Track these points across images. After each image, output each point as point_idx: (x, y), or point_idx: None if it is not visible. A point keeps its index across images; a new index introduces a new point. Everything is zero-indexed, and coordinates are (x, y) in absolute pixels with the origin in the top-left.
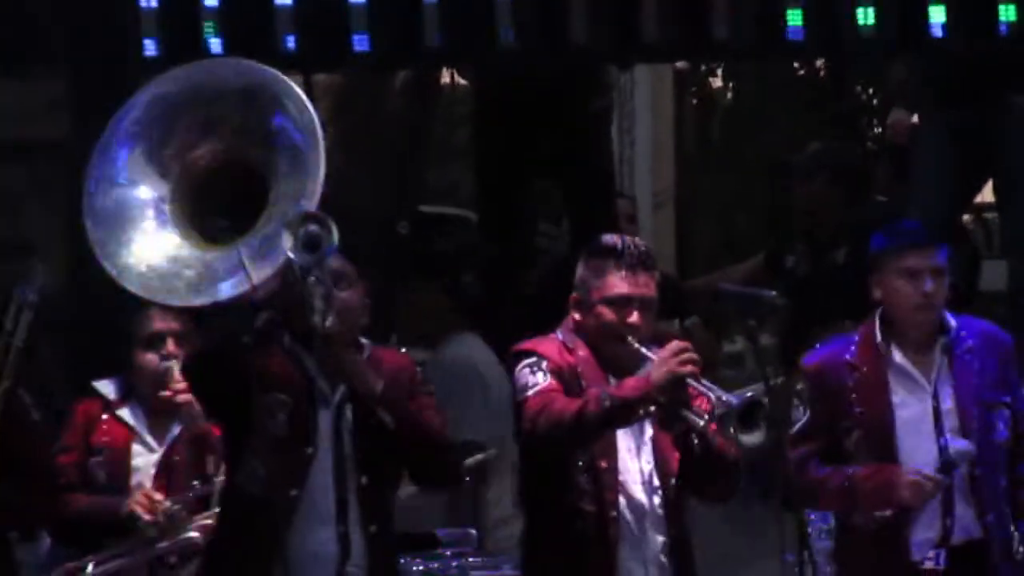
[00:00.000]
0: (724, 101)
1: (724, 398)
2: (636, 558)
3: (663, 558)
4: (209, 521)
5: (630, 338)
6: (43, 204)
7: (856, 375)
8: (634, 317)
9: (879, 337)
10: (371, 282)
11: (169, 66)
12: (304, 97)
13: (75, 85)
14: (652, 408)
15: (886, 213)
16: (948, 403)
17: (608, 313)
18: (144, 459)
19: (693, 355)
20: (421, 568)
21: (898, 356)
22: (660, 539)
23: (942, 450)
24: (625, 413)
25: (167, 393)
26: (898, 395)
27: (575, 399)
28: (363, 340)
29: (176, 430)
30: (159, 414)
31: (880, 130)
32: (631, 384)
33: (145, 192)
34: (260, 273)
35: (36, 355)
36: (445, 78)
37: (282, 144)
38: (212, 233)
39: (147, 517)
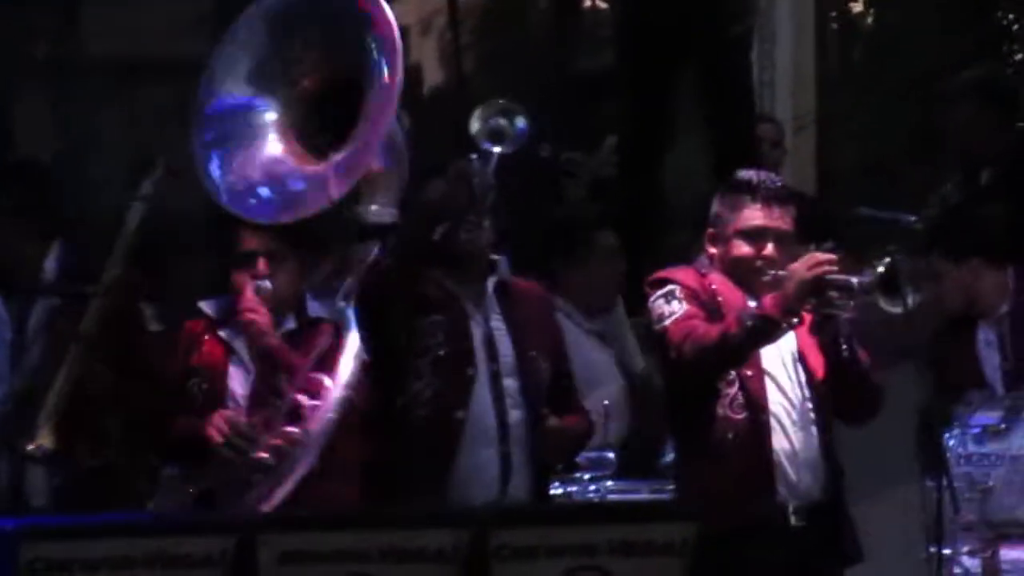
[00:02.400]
0: (865, 24)
1: (864, 279)
2: (791, 460)
3: (817, 460)
4: (278, 442)
5: (768, 271)
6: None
7: None
8: (769, 249)
9: None
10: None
11: None
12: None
13: (221, 2)
14: (795, 321)
15: None
16: None
17: (743, 246)
18: (240, 380)
19: (824, 258)
20: (560, 491)
21: None
22: (813, 441)
23: None
24: (768, 329)
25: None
26: None
27: (715, 323)
28: (496, 256)
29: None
30: (245, 347)
31: (1022, 56)
32: (769, 300)
33: (253, 106)
34: (339, 188)
35: (164, 272)
36: (587, 1)
37: (372, 61)
38: (318, 146)
39: (218, 439)
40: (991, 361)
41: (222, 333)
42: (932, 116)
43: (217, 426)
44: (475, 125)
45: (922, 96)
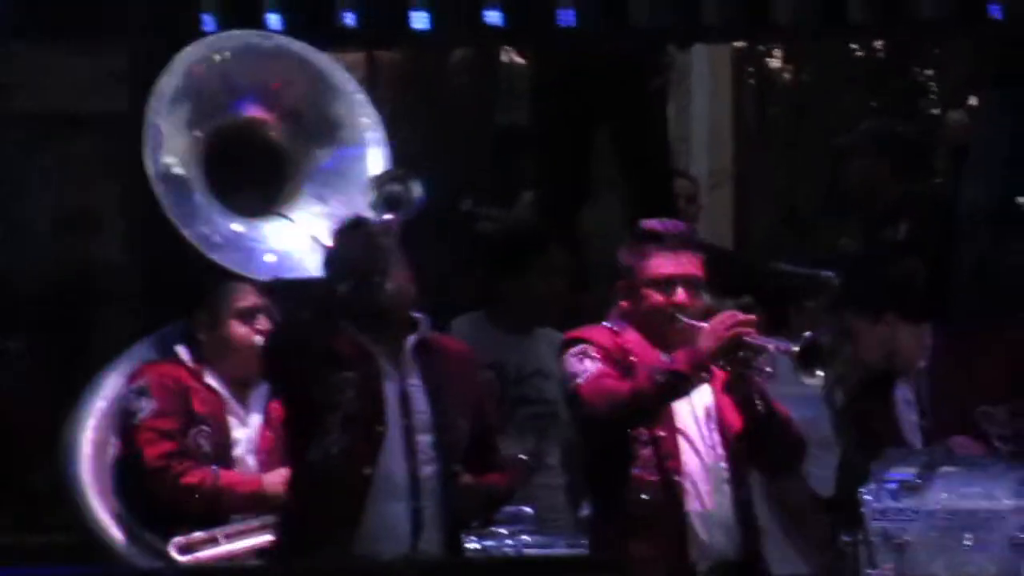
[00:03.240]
0: (783, 80)
1: (783, 345)
2: (703, 523)
3: (731, 519)
4: None
5: (679, 316)
6: (107, 175)
7: None
8: (680, 295)
9: None
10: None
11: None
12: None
13: (136, 58)
14: (706, 377)
15: (943, 192)
16: None
17: (654, 295)
18: (239, 431)
19: (742, 319)
20: (476, 546)
21: None
22: (727, 501)
23: None
24: (679, 384)
25: None
26: None
27: (627, 380)
28: (417, 315)
29: (257, 402)
30: (240, 385)
31: (939, 111)
32: (682, 356)
33: (184, 163)
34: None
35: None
36: (504, 57)
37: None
38: (246, 206)
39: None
40: (909, 419)
41: (210, 381)
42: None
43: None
44: (371, 194)
45: (833, 150)
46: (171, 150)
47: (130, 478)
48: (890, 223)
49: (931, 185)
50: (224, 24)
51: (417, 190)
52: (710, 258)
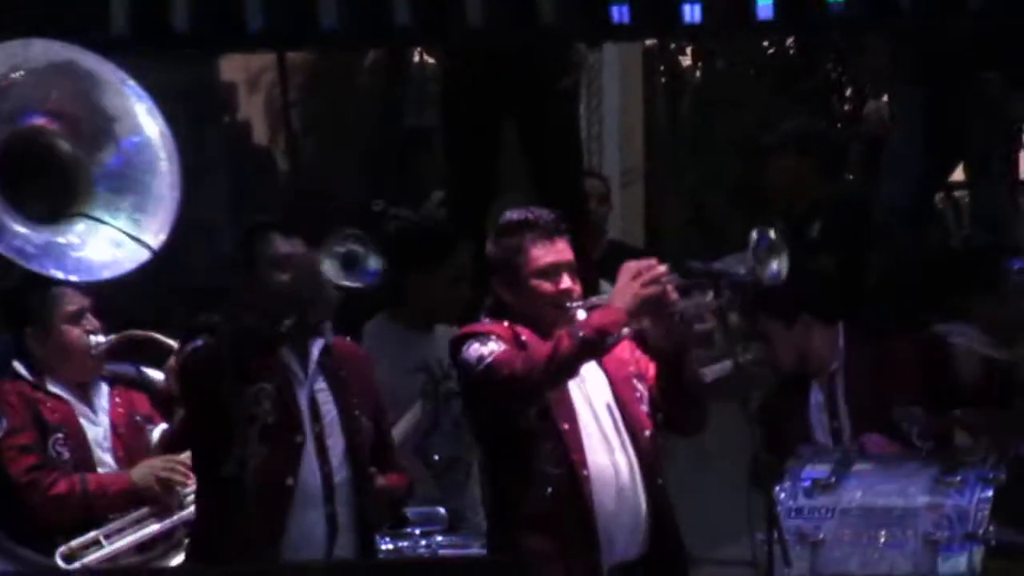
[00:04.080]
0: (694, 79)
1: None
2: (612, 520)
3: (642, 518)
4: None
5: (569, 303)
6: None
7: None
8: (566, 282)
9: None
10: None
11: (135, 45)
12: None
13: None
14: (625, 333)
15: (858, 191)
16: None
17: (541, 284)
18: (92, 431)
19: (656, 272)
20: (390, 546)
21: None
22: (637, 499)
23: None
24: (599, 341)
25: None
26: None
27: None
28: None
29: (100, 400)
30: (80, 387)
31: (850, 108)
32: (600, 314)
33: None
34: (156, 239)
35: None
36: (416, 57)
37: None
38: (47, 214)
39: (189, 483)
40: (821, 422)
41: (55, 389)
42: (756, 168)
43: (179, 471)
44: (326, 247)
45: (748, 150)
46: None
47: None
48: (807, 223)
49: (847, 184)
50: (132, 27)
51: (375, 262)
52: (621, 255)
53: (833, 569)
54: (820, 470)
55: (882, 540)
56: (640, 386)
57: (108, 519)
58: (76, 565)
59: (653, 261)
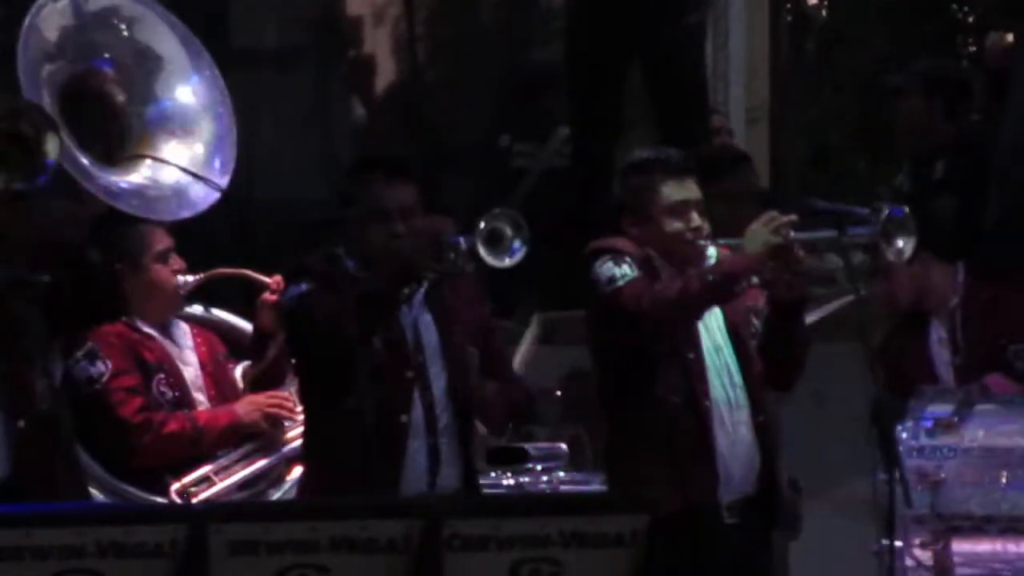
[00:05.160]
0: (819, 18)
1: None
2: (730, 453)
3: (755, 454)
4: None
5: (699, 241)
6: None
7: None
8: (695, 220)
9: None
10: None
11: None
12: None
13: None
14: (755, 282)
15: (982, 131)
16: None
17: (671, 222)
18: (186, 371)
19: (786, 220)
20: (512, 482)
21: None
22: (747, 425)
23: None
24: (728, 286)
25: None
26: None
27: (671, 282)
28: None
29: (184, 339)
30: (163, 326)
31: (975, 48)
32: (731, 260)
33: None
34: (221, 179)
35: None
36: None
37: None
38: (98, 155)
39: (296, 417)
40: (942, 358)
41: (149, 330)
42: (881, 109)
43: (286, 406)
44: (480, 220)
45: (874, 90)
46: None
47: (102, 441)
48: (937, 162)
49: (972, 124)
50: None
51: (520, 240)
52: (738, 193)
53: (954, 509)
54: (942, 410)
55: (1003, 480)
56: (755, 321)
57: (215, 456)
58: (193, 502)
59: (793, 217)
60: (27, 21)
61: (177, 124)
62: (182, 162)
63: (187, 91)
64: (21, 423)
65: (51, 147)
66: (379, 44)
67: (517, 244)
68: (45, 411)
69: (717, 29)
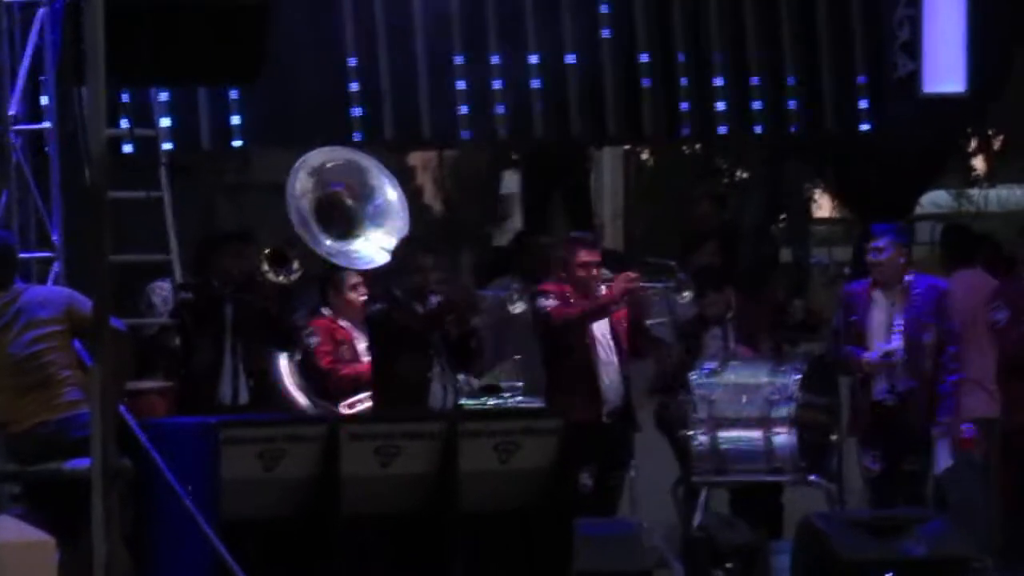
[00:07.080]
0: (650, 165)
1: (658, 286)
2: (608, 387)
3: (620, 382)
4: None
5: (595, 283)
6: None
7: None
8: (595, 271)
9: None
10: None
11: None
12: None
13: None
14: (620, 306)
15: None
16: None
17: (582, 271)
18: (360, 346)
19: (634, 276)
20: (493, 403)
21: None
22: (617, 372)
23: None
24: (607, 307)
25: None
26: None
27: (574, 306)
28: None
29: (360, 328)
30: (354, 324)
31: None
32: (607, 292)
33: (307, 216)
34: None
35: None
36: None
37: (369, 198)
38: (340, 235)
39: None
40: (718, 345)
41: (342, 324)
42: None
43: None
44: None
45: (680, 202)
46: (301, 210)
47: (311, 376)
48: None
49: (727, 221)
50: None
51: (520, 306)
52: (608, 255)
53: (718, 414)
54: (713, 364)
55: (744, 400)
56: (623, 325)
57: (364, 391)
58: (348, 413)
59: (637, 274)
60: (289, 183)
61: (378, 219)
62: (379, 237)
63: (384, 202)
64: (251, 381)
65: (295, 261)
66: (425, 182)
67: (519, 308)
68: (264, 370)
69: (598, 171)
